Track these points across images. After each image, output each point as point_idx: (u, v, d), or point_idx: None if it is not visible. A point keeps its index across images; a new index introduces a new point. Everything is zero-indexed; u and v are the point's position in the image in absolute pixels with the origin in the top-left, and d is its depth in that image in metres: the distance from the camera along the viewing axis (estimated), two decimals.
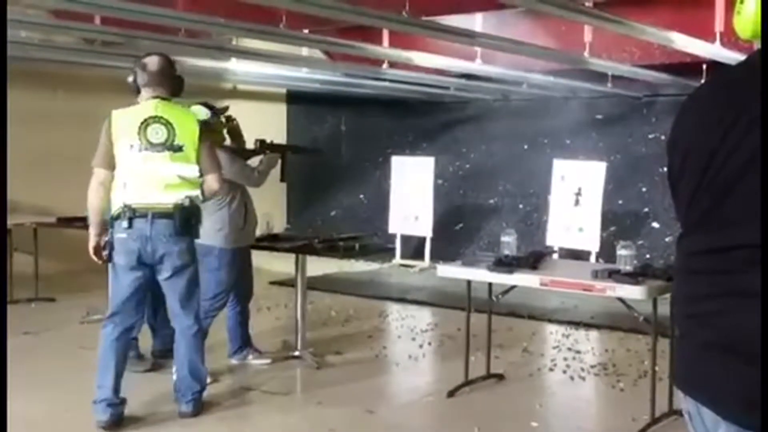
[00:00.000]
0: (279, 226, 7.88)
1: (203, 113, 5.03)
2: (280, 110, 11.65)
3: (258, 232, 5.44)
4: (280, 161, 5.34)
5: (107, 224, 4.29)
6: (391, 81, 8.77)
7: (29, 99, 7.57)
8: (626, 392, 5.00)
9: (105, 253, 4.28)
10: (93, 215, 4.30)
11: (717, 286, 1.56)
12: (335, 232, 5.79)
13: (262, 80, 10.00)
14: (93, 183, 4.28)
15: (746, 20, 1.70)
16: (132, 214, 4.15)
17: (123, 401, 4.32)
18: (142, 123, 4.19)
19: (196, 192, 4.28)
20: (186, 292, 4.35)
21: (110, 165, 4.23)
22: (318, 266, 7.36)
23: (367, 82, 8.96)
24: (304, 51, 8.16)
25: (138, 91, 4.35)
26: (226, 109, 5.23)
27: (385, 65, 7.80)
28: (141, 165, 4.18)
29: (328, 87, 9.57)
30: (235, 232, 5.02)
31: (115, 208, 4.21)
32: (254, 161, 5.22)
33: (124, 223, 4.16)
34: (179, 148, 4.20)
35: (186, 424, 4.41)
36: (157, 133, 4.18)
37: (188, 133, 4.25)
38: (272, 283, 8.19)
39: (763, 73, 1.49)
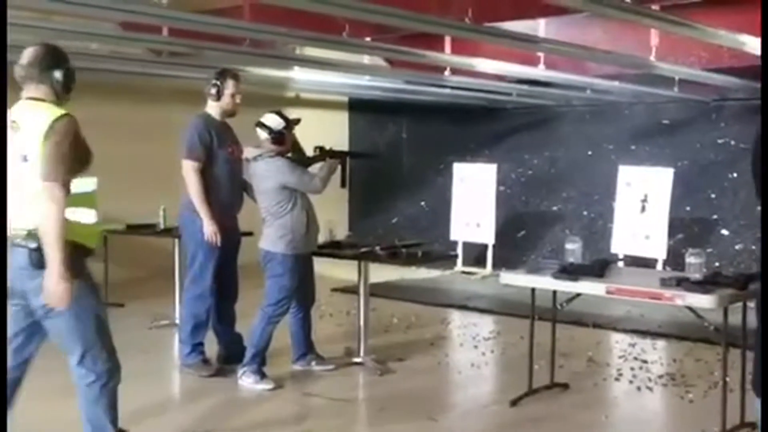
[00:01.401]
0: (340, 233, 7.93)
1: (276, 122, 5.10)
2: (342, 118, 11.73)
3: (320, 239, 5.48)
4: (339, 167, 5.36)
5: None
6: (452, 88, 8.76)
7: (100, 109, 7.76)
8: (695, 404, 4.87)
9: None
10: None
11: None
12: (396, 238, 5.79)
13: (325, 88, 10.10)
14: None
15: None
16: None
17: None
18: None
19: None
20: (67, 337, 3.37)
21: None
22: (380, 273, 7.37)
23: (428, 89, 8.98)
24: (366, 59, 8.21)
25: None
26: (299, 121, 5.25)
27: (446, 72, 7.80)
28: (9, 181, 3.25)
29: (390, 94, 9.62)
30: (297, 238, 5.06)
31: None
32: (315, 168, 5.25)
33: None
34: (26, 158, 3.21)
35: (249, 431, 4.46)
36: (11, 141, 3.24)
37: (34, 137, 3.20)
38: (334, 290, 8.23)
39: (763, 74, 1.44)
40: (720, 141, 9.01)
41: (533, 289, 4.76)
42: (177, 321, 6.27)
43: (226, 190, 5.34)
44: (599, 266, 4.64)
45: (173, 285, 6.79)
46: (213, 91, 5.28)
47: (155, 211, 6.91)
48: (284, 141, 5.11)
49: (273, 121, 5.11)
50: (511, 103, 9.97)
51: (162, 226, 6.88)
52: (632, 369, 5.61)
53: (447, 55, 7.22)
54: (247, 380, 5.10)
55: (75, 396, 3.51)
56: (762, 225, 1.39)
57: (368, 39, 6.75)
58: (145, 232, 7.18)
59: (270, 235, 5.08)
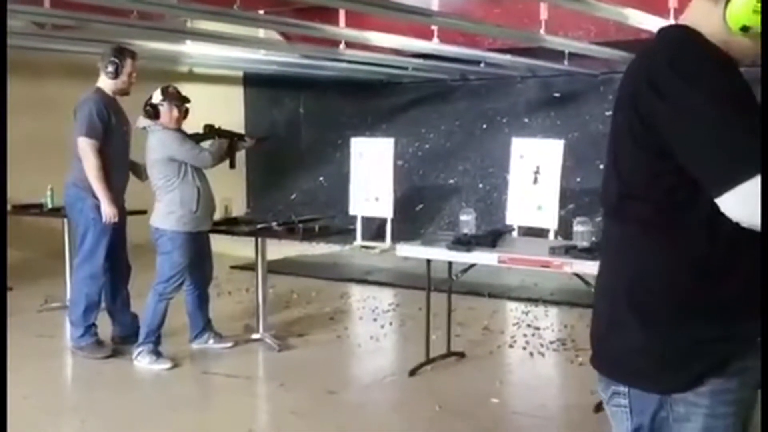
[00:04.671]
0: (239, 210, 7.83)
1: (156, 96, 5.01)
2: (238, 93, 11.53)
3: (216, 217, 5.40)
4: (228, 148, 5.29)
5: None
6: (348, 62, 8.73)
7: None
8: (585, 367, 5.06)
9: None
10: None
11: None
12: (295, 215, 5.76)
13: (219, 63, 9.90)
14: None
15: (740, 7, 1.55)
16: None
17: None
18: None
19: None
20: None
21: None
22: (279, 250, 7.34)
23: (325, 63, 8.92)
24: (261, 33, 8.08)
25: None
26: (187, 100, 5.13)
27: (342, 46, 7.77)
28: None
29: (286, 69, 9.51)
30: (186, 215, 4.95)
31: None
32: (205, 145, 5.18)
33: None
34: None
35: (146, 412, 4.39)
36: None
37: None
38: (233, 267, 8.15)
39: (763, 73, 1.52)
40: (608, 113, 9.24)
41: (428, 261, 4.84)
42: (68, 303, 6.08)
43: (119, 169, 5.24)
44: (492, 237, 4.76)
45: (63, 266, 6.58)
46: (111, 68, 5.13)
47: (42, 191, 6.65)
48: (158, 115, 5.00)
49: (155, 93, 5.03)
50: (407, 77, 10.02)
51: (50, 206, 6.63)
52: (525, 336, 5.79)
53: (341, 29, 7.18)
54: (143, 360, 5.01)
55: None
56: (762, 225, 1.46)
57: (261, 12, 6.65)
58: (32, 213, 6.90)
59: (159, 210, 4.99)
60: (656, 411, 1.61)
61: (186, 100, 5.11)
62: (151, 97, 5.04)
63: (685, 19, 1.65)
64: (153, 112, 5.00)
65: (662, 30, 1.69)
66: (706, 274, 1.55)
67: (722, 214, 1.47)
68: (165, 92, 5.05)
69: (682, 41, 1.59)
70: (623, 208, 1.66)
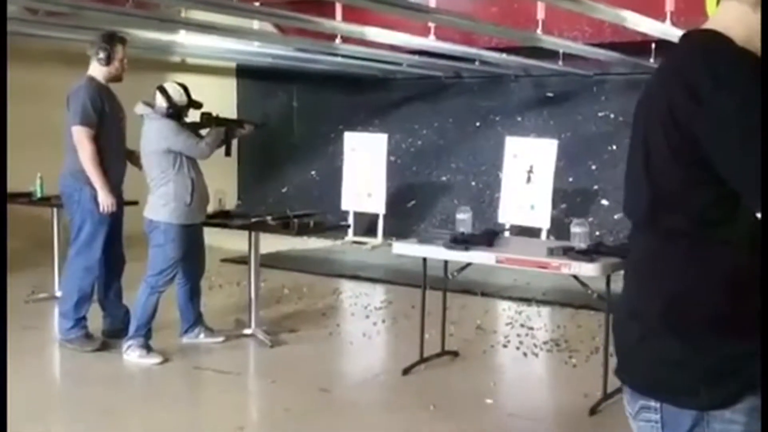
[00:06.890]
0: (230, 202, 7.74)
1: (179, 97, 4.95)
2: (230, 85, 11.45)
3: (210, 209, 5.34)
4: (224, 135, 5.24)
5: None
6: (343, 56, 8.69)
7: None
8: (578, 368, 5.05)
9: None
10: None
11: None
12: (287, 208, 5.70)
13: (212, 54, 9.81)
14: None
15: None
16: None
17: None
18: None
19: None
20: None
21: None
22: (271, 243, 7.27)
23: (319, 57, 8.86)
24: (255, 24, 8.01)
25: None
26: (200, 105, 5.11)
27: (337, 40, 7.72)
28: None
29: (280, 62, 9.44)
30: (180, 207, 4.89)
31: None
32: (202, 133, 5.13)
33: None
34: None
35: (135, 407, 4.33)
36: None
37: None
38: (224, 260, 8.08)
39: (764, 73, 1.47)
40: (601, 114, 9.31)
41: (425, 259, 4.80)
42: (57, 294, 6.01)
43: (116, 158, 5.17)
44: (489, 236, 4.72)
45: (52, 256, 6.50)
46: (102, 55, 5.06)
47: (30, 179, 6.55)
48: (180, 117, 4.99)
49: (177, 94, 4.96)
50: (402, 73, 9.99)
51: (39, 195, 6.54)
52: (519, 336, 5.76)
53: (338, 23, 7.13)
54: (132, 354, 4.94)
55: None
56: (762, 225, 1.42)
57: (257, 3, 6.59)
58: (21, 201, 6.80)
59: (153, 203, 4.93)
60: (691, 427, 1.57)
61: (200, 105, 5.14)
62: (167, 93, 4.95)
63: (714, 24, 1.60)
64: (175, 114, 4.95)
65: (691, 34, 1.63)
66: (743, 288, 1.50)
67: (761, 228, 1.43)
68: (189, 96, 5.03)
69: (718, 46, 1.54)
70: (656, 218, 1.60)
